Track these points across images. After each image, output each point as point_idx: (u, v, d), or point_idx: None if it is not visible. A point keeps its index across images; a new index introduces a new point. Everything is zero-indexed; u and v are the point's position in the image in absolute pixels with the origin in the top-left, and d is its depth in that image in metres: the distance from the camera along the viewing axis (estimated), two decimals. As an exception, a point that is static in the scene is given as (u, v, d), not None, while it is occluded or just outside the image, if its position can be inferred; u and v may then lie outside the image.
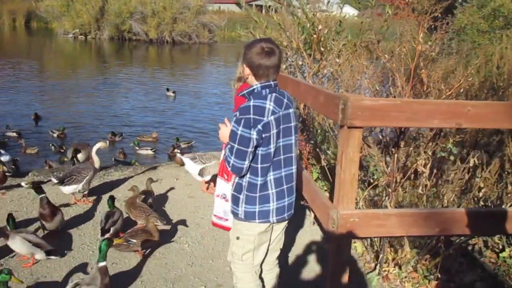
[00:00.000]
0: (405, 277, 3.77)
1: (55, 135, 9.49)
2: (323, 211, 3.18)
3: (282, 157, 2.67)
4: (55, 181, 5.03)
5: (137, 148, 9.13)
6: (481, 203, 3.68)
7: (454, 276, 3.75)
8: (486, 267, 3.96)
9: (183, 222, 4.68)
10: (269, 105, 2.54)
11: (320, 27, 5.61)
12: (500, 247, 4.11)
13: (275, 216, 2.72)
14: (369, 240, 4.26)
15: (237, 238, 2.80)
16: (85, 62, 24.64)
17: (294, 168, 2.78)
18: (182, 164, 6.29)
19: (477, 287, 3.65)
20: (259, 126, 2.49)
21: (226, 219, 2.90)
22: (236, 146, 2.52)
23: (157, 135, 9.96)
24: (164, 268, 3.91)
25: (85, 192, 5.23)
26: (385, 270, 3.82)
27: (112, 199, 4.42)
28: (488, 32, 12.64)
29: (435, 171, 3.65)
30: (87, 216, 4.87)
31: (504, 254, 3.99)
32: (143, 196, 4.77)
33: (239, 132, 2.51)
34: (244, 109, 2.53)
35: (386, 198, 3.66)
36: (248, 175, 2.64)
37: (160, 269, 3.89)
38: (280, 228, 2.90)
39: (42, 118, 10.99)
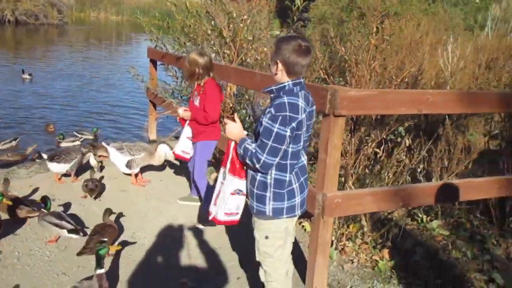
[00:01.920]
0: (358, 249, 4.18)
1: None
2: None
3: (302, 150, 2.74)
4: (45, 157, 5.44)
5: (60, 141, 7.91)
6: (421, 178, 4.22)
7: (399, 244, 4.25)
8: (420, 234, 4.53)
9: (132, 217, 4.59)
10: (301, 103, 2.54)
11: (245, 16, 5.76)
12: (426, 218, 4.74)
13: (300, 209, 2.78)
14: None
15: (266, 237, 2.79)
16: None
17: (305, 159, 2.84)
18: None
19: (417, 251, 4.18)
20: (294, 124, 2.50)
21: (237, 213, 2.92)
22: (270, 143, 2.50)
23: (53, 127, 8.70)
24: (136, 265, 3.83)
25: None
26: (342, 245, 4.18)
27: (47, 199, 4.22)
28: (346, 22, 13.68)
29: (381, 153, 4.07)
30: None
31: (433, 224, 4.60)
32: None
33: (275, 130, 2.47)
34: (280, 106, 2.50)
35: (346, 178, 4.01)
36: (274, 172, 2.64)
37: (133, 267, 3.80)
38: (295, 221, 2.95)
39: None
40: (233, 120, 2.80)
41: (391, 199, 3.49)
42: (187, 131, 4.66)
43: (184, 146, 4.71)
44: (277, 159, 2.55)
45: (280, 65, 2.59)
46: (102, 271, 3.05)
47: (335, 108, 3.05)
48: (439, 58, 6.22)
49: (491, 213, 4.66)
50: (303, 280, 3.64)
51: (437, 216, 4.73)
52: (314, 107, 2.74)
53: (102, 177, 5.67)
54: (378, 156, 4.02)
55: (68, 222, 3.97)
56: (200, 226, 4.59)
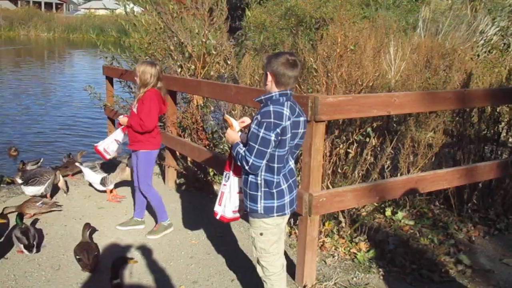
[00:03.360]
0: (337, 243, 4.47)
1: None
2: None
3: (290, 156, 2.98)
4: (19, 181, 5.39)
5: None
6: (387, 172, 4.58)
7: (372, 236, 4.57)
8: (388, 226, 4.89)
9: (122, 235, 4.68)
10: (286, 111, 2.79)
11: (206, 31, 5.97)
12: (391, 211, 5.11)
13: (289, 208, 3.03)
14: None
15: (261, 234, 3.02)
16: None
17: (292, 163, 3.08)
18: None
19: (390, 241, 4.53)
20: (278, 130, 2.74)
21: (239, 210, 3.22)
22: (257, 146, 2.75)
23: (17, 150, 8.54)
24: (136, 276, 3.93)
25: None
26: (321, 241, 4.46)
27: (20, 215, 4.32)
28: (285, 29, 14.09)
29: (353, 152, 4.40)
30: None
31: (398, 216, 4.97)
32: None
33: (261, 134, 2.73)
34: (266, 113, 2.77)
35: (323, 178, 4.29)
36: (263, 174, 2.89)
37: (135, 279, 3.89)
38: (286, 220, 3.18)
39: None
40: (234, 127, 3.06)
41: (369, 194, 3.81)
42: (118, 134, 4.67)
43: (108, 145, 4.70)
44: (264, 161, 2.80)
45: (269, 76, 2.85)
46: (117, 280, 3.21)
47: (316, 114, 3.34)
48: (382, 60, 6.67)
49: (450, 201, 5.10)
50: (292, 277, 3.88)
51: (401, 208, 5.11)
52: (302, 118, 2.94)
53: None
54: (349, 155, 4.33)
55: (28, 238, 4.12)
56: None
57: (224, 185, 3.13)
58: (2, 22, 39.46)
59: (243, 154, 2.83)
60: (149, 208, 4.93)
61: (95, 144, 4.80)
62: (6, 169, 7.55)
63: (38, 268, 3.92)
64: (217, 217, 3.18)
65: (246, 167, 2.83)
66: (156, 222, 4.82)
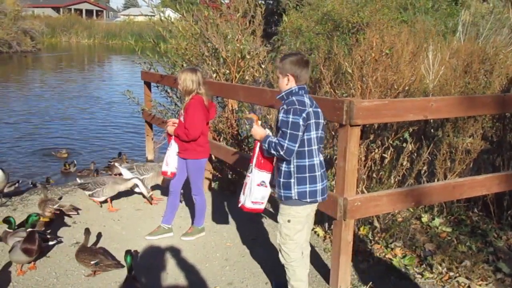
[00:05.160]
0: (371, 249, 4.44)
1: None
2: (327, 199, 3.62)
3: (316, 146, 3.16)
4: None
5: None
6: (424, 178, 4.53)
7: (408, 242, 4.52)
8: (425, 232, 4.82)
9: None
10: (306, 100, 3.11)
11: (240, 36, 6.05)
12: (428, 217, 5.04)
13: (321, 196, 3.21)
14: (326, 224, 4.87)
15: (288, 221, 3.23)
16: None
17: (321, 157, 3.27)
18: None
19: (427, 247, 4.47)
20: (304, 114, 3.01)
21: (262, 203, 3.37)
22: (289, 131, 2.98)
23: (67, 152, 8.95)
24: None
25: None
26: (355, 246, 4.43)
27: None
28: (321, 34, 14.04)
29: (388, 157, 4.37)
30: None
31: (435, 222, 4.90)
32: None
33: (290, 119, 2.98)
34: (290, 102, 3.06)
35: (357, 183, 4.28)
36: (295, 160, 3.10)
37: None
38: (315, 209, 3.37)
39: None
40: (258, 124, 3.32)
41: (405, 199, 3.78)
42: (174, 147, 4.57)
43: (176, 162, 4.59)
44: (297, 145, 3.01)
45: (290, 76, 3.14)
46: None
47: (351, 118, 3.34)
48: (419, 65, 6.58)
49: (489, 208, 4.99)
50: (326, 281, 3.88)
51: (438, 215, 5.03)
52: (319, 109, 3.19)
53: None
54: (385, 161, 4.30)
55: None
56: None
57: (248, 176, 3.39)
58: (45, 29, 40.75)
59: (276, 141, 3.04)
60: (186, 210, 5.00)
61: (163, 170, 4.66)
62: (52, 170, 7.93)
63: (78, 267, 4.04)
64: (239, 205, 3.43)
65: (282, 152, 3.02)
66: (192, 223, 4.88)
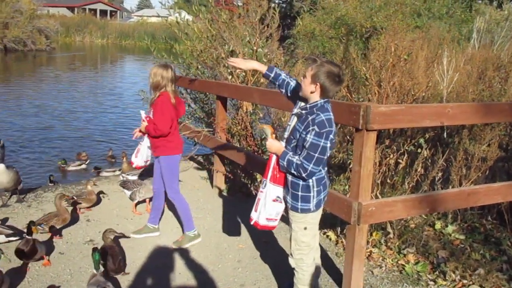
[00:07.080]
0: (384, 254, 4.43)
1: None
2: (341, 204, 3.64)
3: None
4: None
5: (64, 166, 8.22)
6: (438, 185, 4.51)
7: (421, 249, 4.50)
8: (438, 239, 4.80)
9: (169, 236, 4.76)
10: (332, 115, 3.02)
11: (258, 39, 6.08)
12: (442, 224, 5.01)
13: (323, 203, 3.28)
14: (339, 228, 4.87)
15: (305, 228, 3.22)
16: None
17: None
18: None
19: (440, 254, 4.45)
20: (331, 136, 2.95)
21: (276, 219, 3.26)
22: (316, 155, 2.92)
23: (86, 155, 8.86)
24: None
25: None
26: (368, 251, 4.43)
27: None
28: (334, 38, 14.01)
29: (403, 163, 4.36)
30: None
31: (448, 230, 4.88)
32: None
33: (321, 144, 2.91)
34: (321, 124, 2.91)
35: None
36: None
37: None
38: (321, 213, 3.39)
39: None
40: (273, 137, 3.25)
41: (419, 206, 3.76)
42: (146, 141, 4.63)
43: (146, 155, 4.71)
44: (321, 168, 3.02)
45: (318, 86, 2.96)
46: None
47: (368, 123, 3.33)
48: (434, 71, 6.57)
49: (503, 217, 4.95)
50: (338, 285, 3.88)
51: (452, 222, 5.00)
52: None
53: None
54: (399, 166, 4.29)
55: (5, 228, 4.38)
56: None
57: (261, 191, 3.26)
58: (59, 28, 41.09)
59: (299, 162, 2.98)
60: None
61: (131, 160, 4.85)
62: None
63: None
64: (252, 223, 3.31)
65: (304, 174, 2.99)
66: (183, 231, 4.70)
